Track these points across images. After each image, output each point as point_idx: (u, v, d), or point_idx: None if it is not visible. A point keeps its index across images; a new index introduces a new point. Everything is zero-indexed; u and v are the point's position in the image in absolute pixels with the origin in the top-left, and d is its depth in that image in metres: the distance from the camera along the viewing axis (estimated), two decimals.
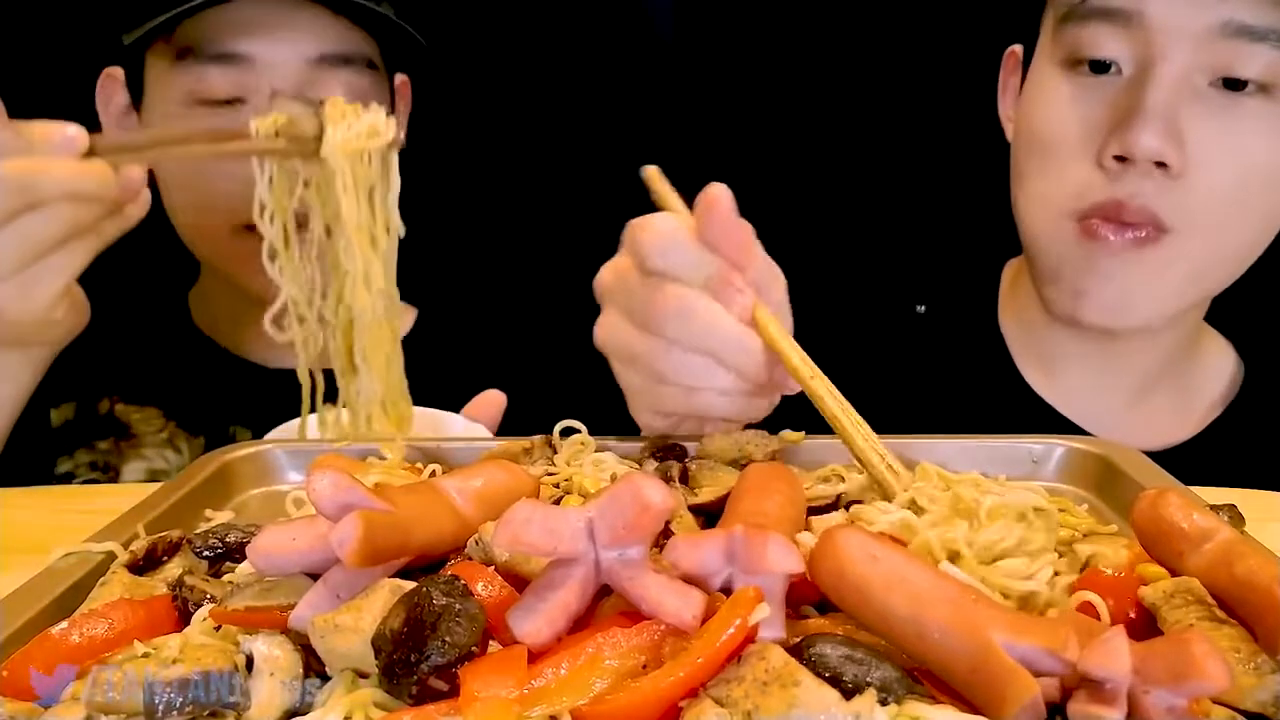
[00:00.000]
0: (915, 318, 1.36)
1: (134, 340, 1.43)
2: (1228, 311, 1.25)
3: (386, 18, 1.30)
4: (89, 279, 1.00)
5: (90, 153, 0.91)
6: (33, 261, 0.90)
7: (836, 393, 0.78)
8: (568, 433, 0.89)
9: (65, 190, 0.89)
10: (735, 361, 0.78)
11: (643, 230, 0.80)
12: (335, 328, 0.97)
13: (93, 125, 1.37)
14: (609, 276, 0.85)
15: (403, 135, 1.49)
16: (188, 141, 0.98)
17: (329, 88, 1.28)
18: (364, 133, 0.97)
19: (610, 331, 0.85)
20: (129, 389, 1.40)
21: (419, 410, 1.09)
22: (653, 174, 0.86)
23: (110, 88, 1.38)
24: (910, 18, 1.89)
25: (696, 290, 0.78)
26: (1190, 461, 1.17)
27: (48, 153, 0.89)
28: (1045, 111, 1.12)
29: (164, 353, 1.43)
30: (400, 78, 1.48)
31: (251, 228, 1.03)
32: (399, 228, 1.01)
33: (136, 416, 1.38)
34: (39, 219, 0.89)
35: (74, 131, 0.90)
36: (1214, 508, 0.64)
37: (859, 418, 0.77)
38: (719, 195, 0.77)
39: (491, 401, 1.17)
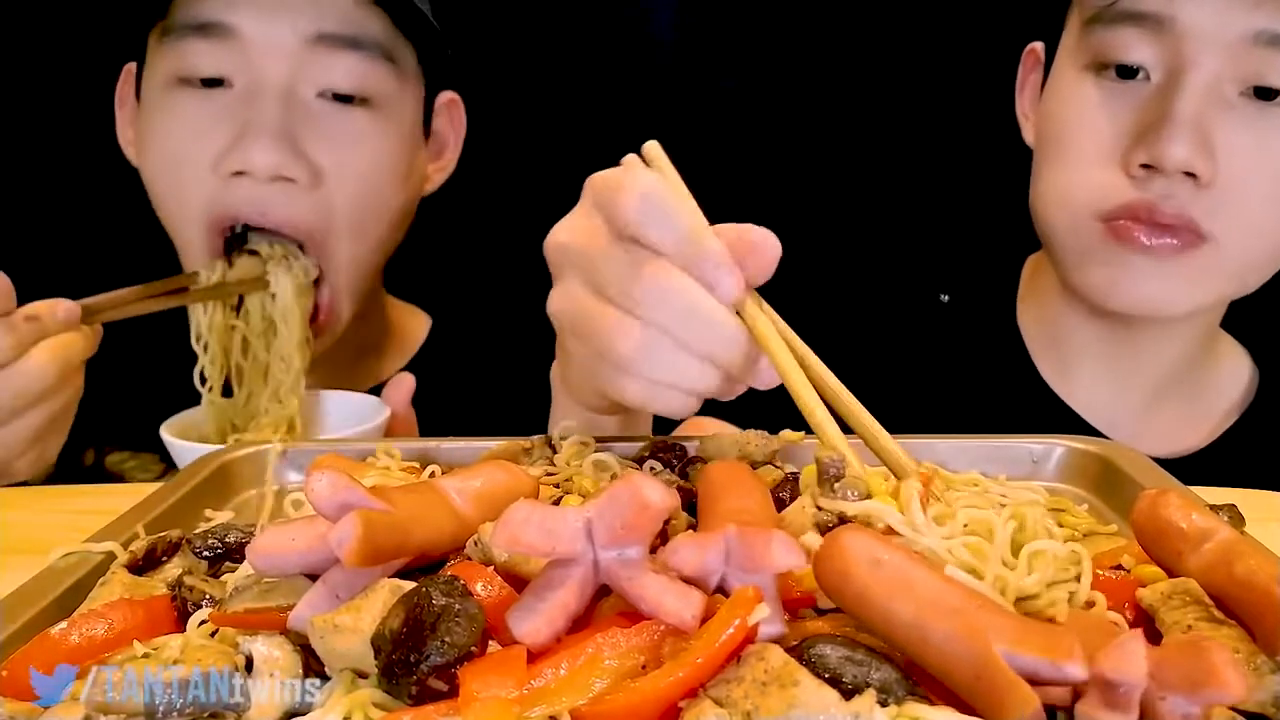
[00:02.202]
0: (938, 306, 1.35)
1: (131, 380, 1.33)
2: (1244, 318, 1.25)
3: None
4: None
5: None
6: (53, 432, 0.99)
7: (839, 391, 0.69)
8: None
9: (80, 363, 0.99)
10: (710, 350, 0.68)
11: (619, 183, 0.68)
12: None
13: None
14: (568, 238, 0.73)
15: (450, 164, 1.39)
16: (147, 297, 1.11)
17: (329, 74, 1.14)
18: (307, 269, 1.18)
19: (564, 299, 0.73)
20: (123, 434, 1.30)
21: (317, 393, 1.22)
22: (653, 149, 0.74)
23: (125, 89, 1.29)
24: (938, 7, 1.89)
25: (667, 263, 0.66)
26: (1205, 468, 1.17)
27: (54, 329, 0.97)
28: (1069, 114, 1.10)
29: (165, 391, 1.32)
30: (449, 95, 1.34)
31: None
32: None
33: (131, 464, 1.30)
34: (62, 394, 0.98)
35: (70, 305, 0.98)
36: (1214, 508, 0.64)
37: (862, 412, 0.69)
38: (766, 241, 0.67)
39: (399, 381, 1.15)
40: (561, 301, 0.74)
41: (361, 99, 1.17)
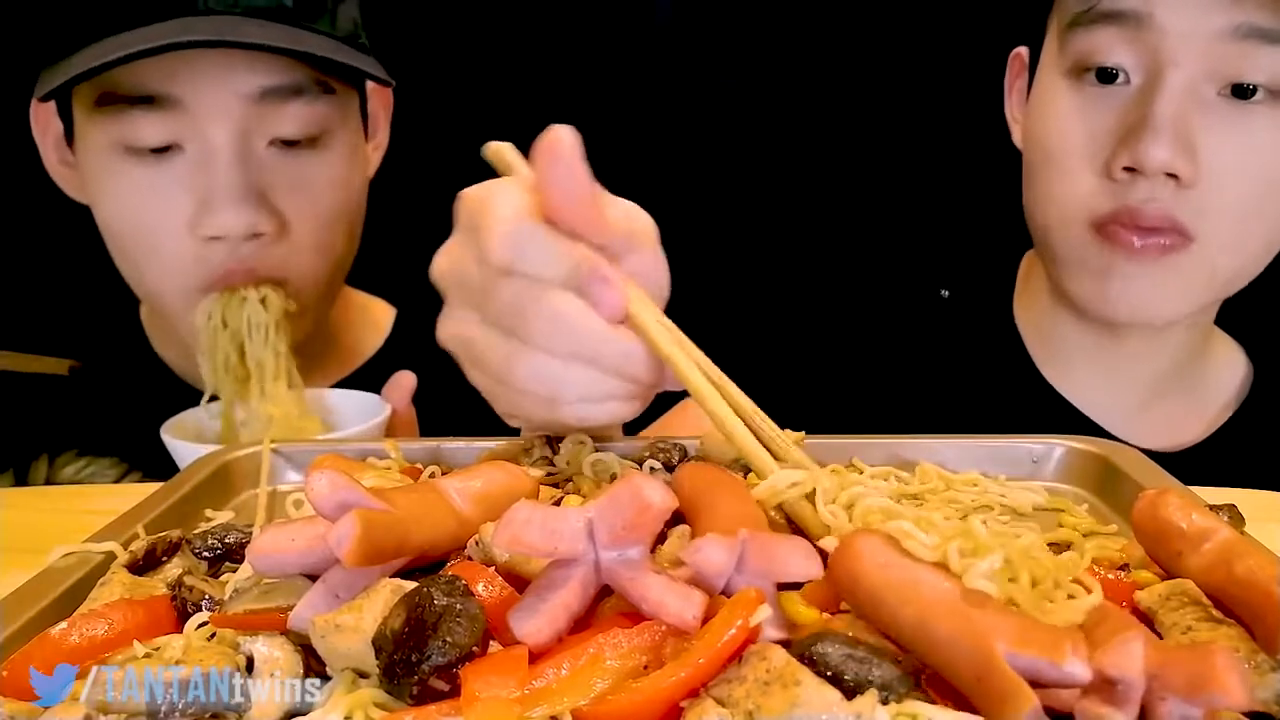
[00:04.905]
0: (938, 302, 1.36)
1: (87, 380, 1.30)
2: (1239, 315, 1.26)
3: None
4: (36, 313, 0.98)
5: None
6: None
7: (724, 386, 0.68)
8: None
9: None
10: (615, 367, 0.66)
11: (482, 215, 0.66)
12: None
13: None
14: (450, 266, 0.71)
15: (384, 141, 1.39)
16: None
17: (278, 124, 1.14)
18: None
19: (454, 329, 0.72)
20: (82, 438, 1.26)
21: (319, 392, 1.22)
22: (496, 150, 0.74)
23: (44, 117, 1.24)
24: (935, 7, 1.89)
25: (555, 288, 0.65)
26: (1201, 463, 1.17)
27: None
28: (1051, 122, 1.11)
29: (123, 388, 1.30)
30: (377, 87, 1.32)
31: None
32: None
33: (89, 470, 1.25)
34: None
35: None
36: (1214, 508, 0.64)
37: (753, 406, 0.69)
38: (562, 143, 0.63)
39: (399, 380, 1.14)
40: (452, 331, 0.73)
41: (309, 139, 1.17)
